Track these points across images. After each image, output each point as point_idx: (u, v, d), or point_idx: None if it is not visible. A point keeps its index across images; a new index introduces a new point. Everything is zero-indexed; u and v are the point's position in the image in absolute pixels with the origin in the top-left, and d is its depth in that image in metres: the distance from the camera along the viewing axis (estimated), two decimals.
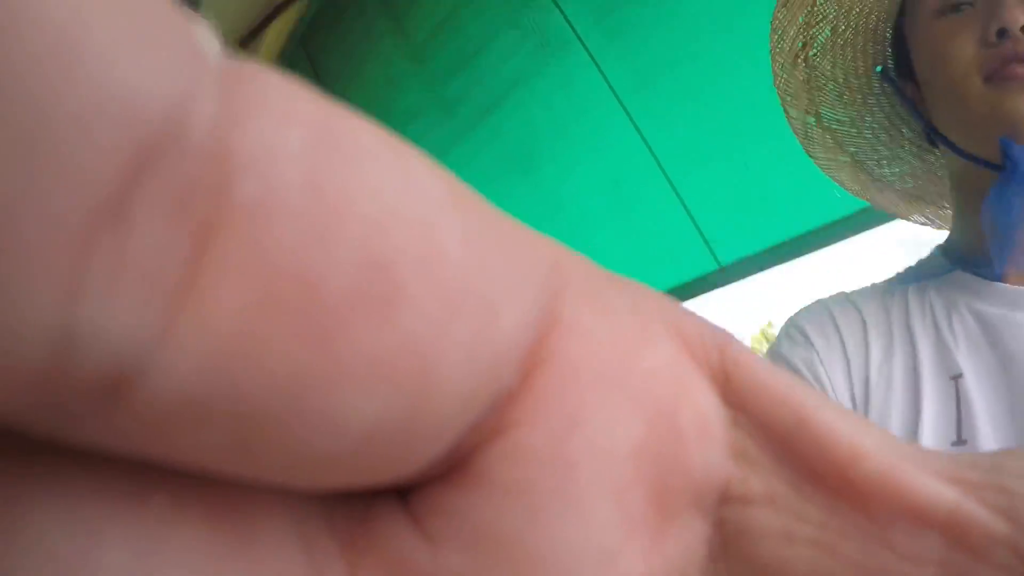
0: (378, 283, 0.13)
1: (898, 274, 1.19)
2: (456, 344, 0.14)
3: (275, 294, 0.12)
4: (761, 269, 2.36)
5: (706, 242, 2.37)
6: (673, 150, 2.27)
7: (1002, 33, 0.95)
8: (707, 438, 0.18)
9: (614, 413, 0.17)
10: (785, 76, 1.16)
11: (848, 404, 1.08)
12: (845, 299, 1.17)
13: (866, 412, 1.07)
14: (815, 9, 1.08)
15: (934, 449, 0.19)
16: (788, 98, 1.18)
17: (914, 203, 1.29)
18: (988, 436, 0.99)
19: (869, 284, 1.22)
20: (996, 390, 1.01)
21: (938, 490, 0.18)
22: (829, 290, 1.23)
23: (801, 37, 1.12)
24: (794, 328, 1.17)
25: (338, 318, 0.13)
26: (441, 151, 2.64)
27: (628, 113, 2.22)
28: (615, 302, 0.18)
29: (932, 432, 1.03)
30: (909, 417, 1.05)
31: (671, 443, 0.18)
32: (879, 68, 1.17)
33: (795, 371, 1.10)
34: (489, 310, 0.15)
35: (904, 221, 1.33)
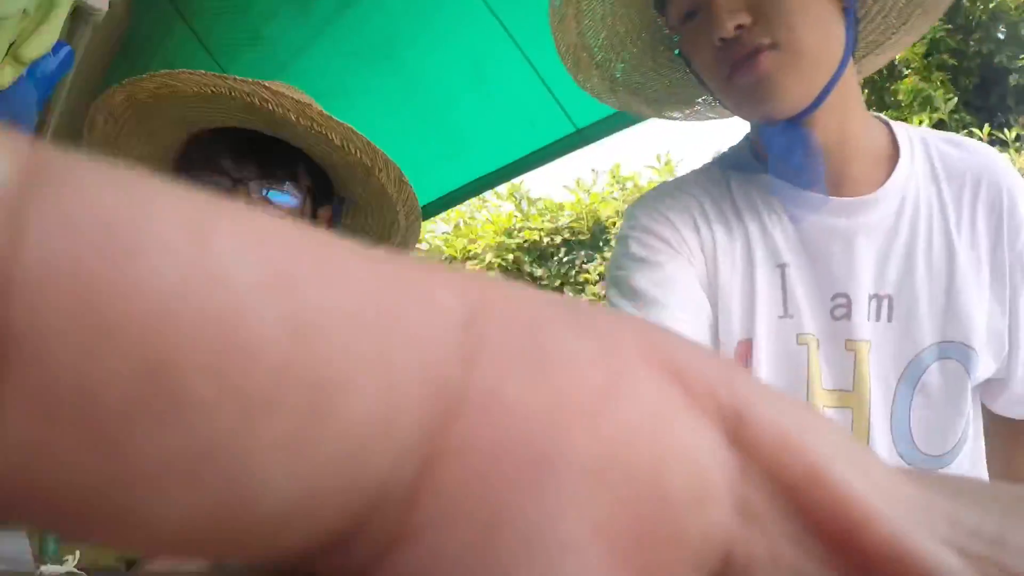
0: (159, 388, 0.13)
1: (716, 159, 1.40)
2: (272, 445, 0.13)
3: (57, 406, 0.12)
4: (615, 130, 2.50)
5: (562, 108, 2.48)
6: (525, 26, 2.33)
7: (723, 40, 1.14)
8: (705, 500, 0.17)
9: (557, 499, 0.15)
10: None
11: (702, 282, 1.29)
12: (678, 189, 1.36)
13: (715, 288, 1.28)
14: None
15: (939, 498, 0.19)
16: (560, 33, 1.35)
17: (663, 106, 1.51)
18: (806, 313, 1.26)
19: (691, 173, 1.41)
20: (808, 280, 1.27)
21: (943, 561, 0.18)
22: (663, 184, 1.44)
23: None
24: (639, 228, 1.32)
25: (121, 425, 0.12)
26: (300, 48, 2.65)
27: None
28: (569, 349, 0.17)
29: (765, 307, 1.27)
30: (747, 294, 1.28)
31: (654, 513, 0.16)
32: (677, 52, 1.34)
33: (656, 268, 1.28)
34: (320, 406, 0.14)
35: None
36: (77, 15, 1.85)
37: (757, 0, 1.13)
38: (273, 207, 1.48)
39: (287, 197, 1.49)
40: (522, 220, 7.21)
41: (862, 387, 1.25)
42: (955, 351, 1.24)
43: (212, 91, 1.33)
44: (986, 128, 8.28)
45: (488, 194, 7.24)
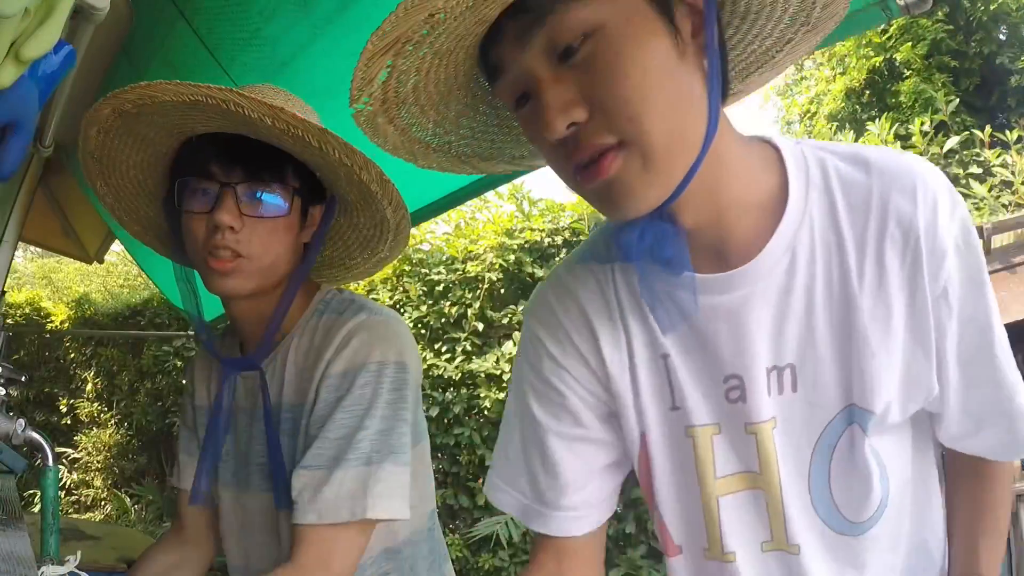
0: None
1: (596, 249, 1.33)
2: None
3: None
4: None
5: None
6: None
7: (558, 142, 0.99)
8: None
9: None
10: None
11: (596, 391, 1.29)
12: (566, 293, 1.31)
13: (610, 390, 1.28)
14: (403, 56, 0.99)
15: None
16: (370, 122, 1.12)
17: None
18: (697, 402, 1.21)
19: (578, 261, 1.34)
20: (696, 364, 1.21)
21: None
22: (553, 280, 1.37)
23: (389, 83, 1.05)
24: (534, 339, 1.34)
25: None
26: (301, 47, 2.65)
27: None
28: None
29: (652, 402, 1.25)
30: (635, 391, 1.25)
31: None
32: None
33: (550, 387, 1.31)
34: None
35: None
36: (78, 14, 1.84)
37: (591, 89, 0.97)
38: (261, 209, 1.52)
39: (275, 199, 1.54)
40: (523, 221, 7.22)
41: (769, 469, 1.19)
42: (859, 416, 1.16)
43: (188, 99, 1.37)
44: (987, 129, 8.29)
45: (489, 195, 7.26)
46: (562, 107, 0.96)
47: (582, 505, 1.32)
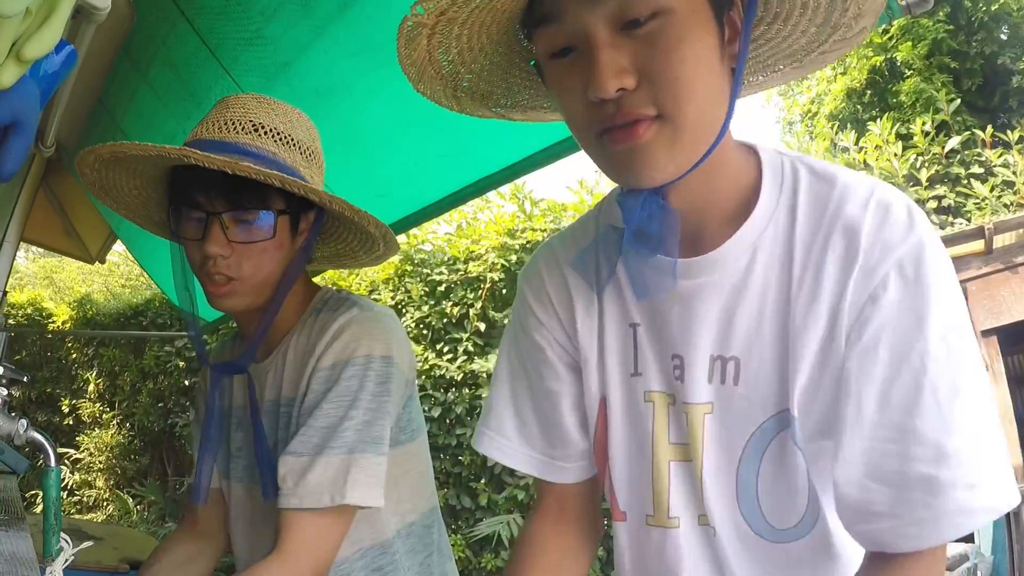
0: None
1: (597, 209, 1.43)
2: None
3: None
4: None
5: None
6: None
7: (600, 100, 1.02)
8: None
9: None
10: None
11: (570, 350, 1.39)
12: (554, 261, 1.42)
13: (577, 353, 1.37)
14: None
15: None
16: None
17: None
18: (655, 372, 1.28)
19: (569, 234, 1.45)
20: (653, 340, 1.28)
21: None
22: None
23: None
24: (523, 300, 1.47)
25: None
26: (302, 47, 2.65)
27: None
28: None
29: (617, 366, 1.32)
30: (600, 354, 1.34)
31: None
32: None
33: (534, 344, 1.43)
34: None
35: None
36: (80, 14, 1.85)
37: (646, 61, 1.01)
38: (248, 234, 1.60)
39: (260, 223, 1.61)
40: (525, 221, 7.22)
41: (695, 446, 1.24)
42: (789, 424, 1.14)
43: (152, 153, 1.50)
44: (989, 129, 8.29)
45: (491, 195, 7.26)
46: (616, 71, 1.00)
47: (569, 457, 1.43)
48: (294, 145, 1.64)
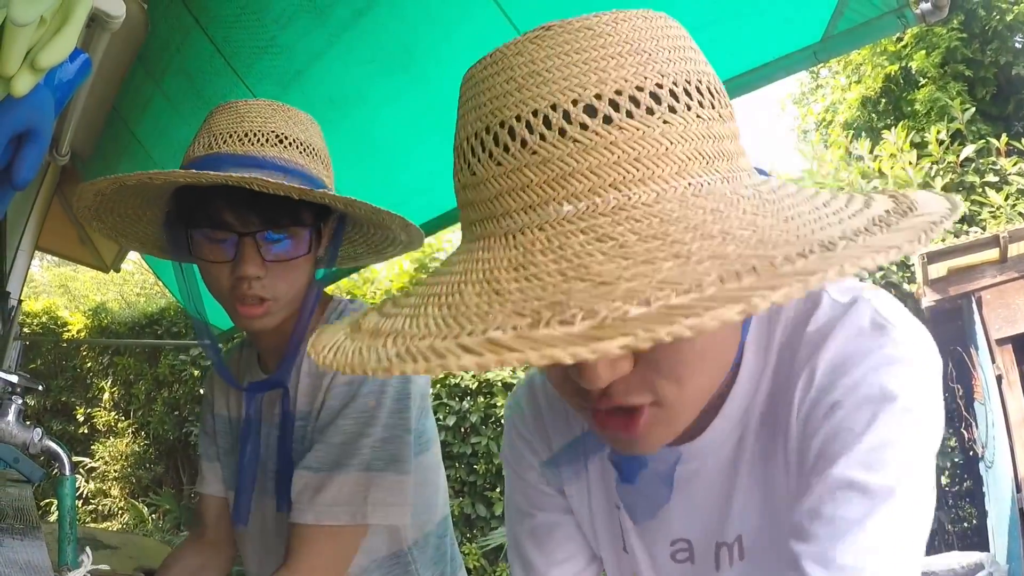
0: None
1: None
2: None
3: None
4: None
5: None
6: None
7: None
8: None
9: None
10: None
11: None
12: (537, 412, 1.28)
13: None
14: None
15: None
16: None
17: None
18: (639, 549, 1.20)
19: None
20: (644, 525, 1.20)
21: None
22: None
23: None
24: (514, 441, 1.32)
25: None
26: (316, 55, 2.66)
27: (497, 2, 2.25)
28: None
29: (608, 544, 1.26)
30: (589, 521, 1.27)
31: None
32: None
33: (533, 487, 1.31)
34: None
35: None
36: (94, 23, 1.85)
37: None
38: (283, 252, 1.53)
39: (295, 240, 1.54)
40: None
41: None
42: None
43: (148, 180, 1.42)
44: (1003, 138, 8.27)
45: None
46: (612, 359, 0.79)
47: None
48: (315, 154, 1.58)
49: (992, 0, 9.88)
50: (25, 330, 11.35)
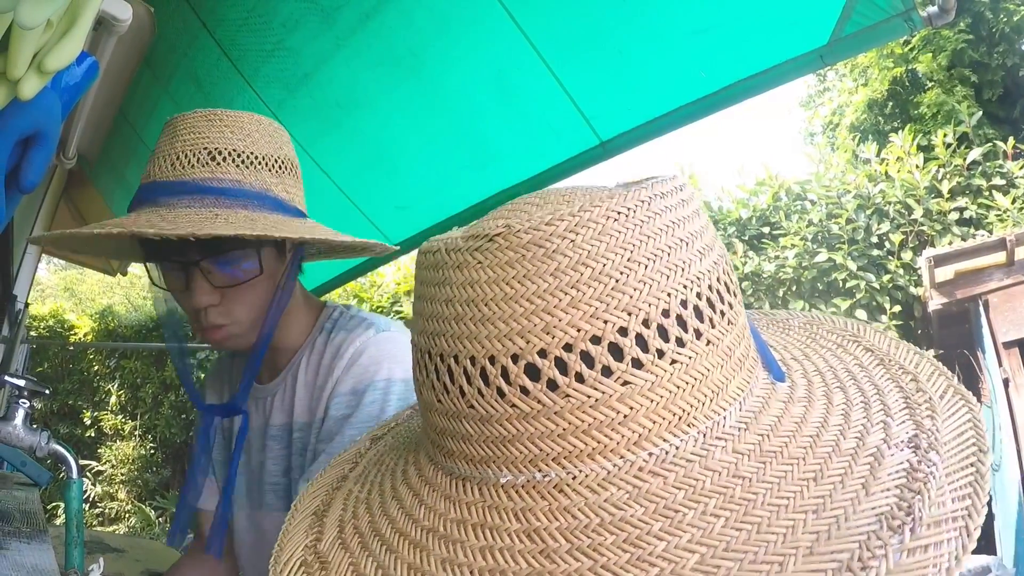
0: None
1: None
2: None
3: None
4: (638, 143, 2.48)
5: (586, 120, 2.48)
6: (550, 39, 2.30)
7: None
8: None
9: None
10: None
11: None
12: None
13: None
14: None
15: None
16: None
17: None
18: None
19: None
20: None
21: None
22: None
23: None
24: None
25: None
26: (324, 58, 2.66)
27: (506, 7, 2.25)
28: None
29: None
30: None
31: None
32: None
33: None
34: None
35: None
36: (101, 26, 1.85)
37: None
38: (234, 277, 1.50)
39: (244, 262, 1.51)
40: None
41: None
42: None
43: (97, 231, 1.37)
44: (1010, 141, 8.24)
45: None
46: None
47: None
48: (259, 163, 1.50)
49: (999, 2, 9.86)
50: (32, 333, 11.37)
